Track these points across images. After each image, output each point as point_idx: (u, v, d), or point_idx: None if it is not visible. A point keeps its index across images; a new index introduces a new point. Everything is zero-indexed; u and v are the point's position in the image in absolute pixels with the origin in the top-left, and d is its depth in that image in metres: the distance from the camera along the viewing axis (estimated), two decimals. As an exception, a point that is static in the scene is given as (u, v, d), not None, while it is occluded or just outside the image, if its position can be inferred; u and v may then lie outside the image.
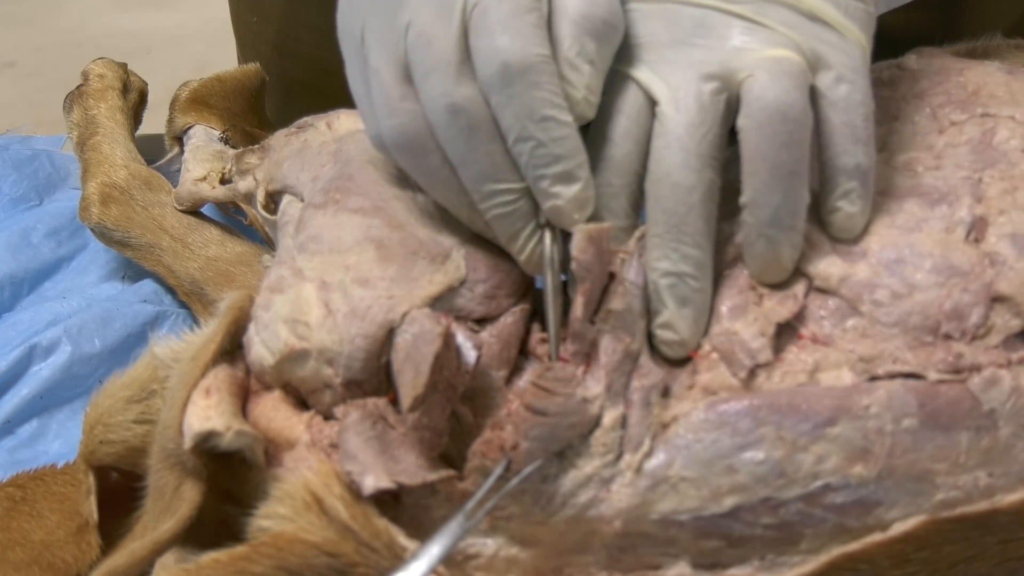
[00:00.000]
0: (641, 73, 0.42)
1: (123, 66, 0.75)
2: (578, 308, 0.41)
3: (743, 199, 0.41)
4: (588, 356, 0.41)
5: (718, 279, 0.43)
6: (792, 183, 0.41)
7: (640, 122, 0.42)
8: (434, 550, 0.38)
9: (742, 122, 0.41)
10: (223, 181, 0.63)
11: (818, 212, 0.43)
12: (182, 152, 0.68)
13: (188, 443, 0.40)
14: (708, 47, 0.42)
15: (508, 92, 0.40)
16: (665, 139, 0.41)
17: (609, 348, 0.41)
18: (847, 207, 0.43)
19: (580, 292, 0.41)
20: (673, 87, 0.41)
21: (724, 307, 0.42)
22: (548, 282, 0.42)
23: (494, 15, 0.40)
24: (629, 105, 0.42)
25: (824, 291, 0.42)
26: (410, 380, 0.40)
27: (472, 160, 0.42)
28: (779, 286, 0.42)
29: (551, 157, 0.40)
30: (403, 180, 0.46)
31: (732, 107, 0.41)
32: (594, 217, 0.42)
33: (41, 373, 0.60)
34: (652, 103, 0.42)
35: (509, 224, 0.42)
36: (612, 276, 0.41)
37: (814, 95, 0.41)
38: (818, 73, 0.42)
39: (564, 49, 0.41)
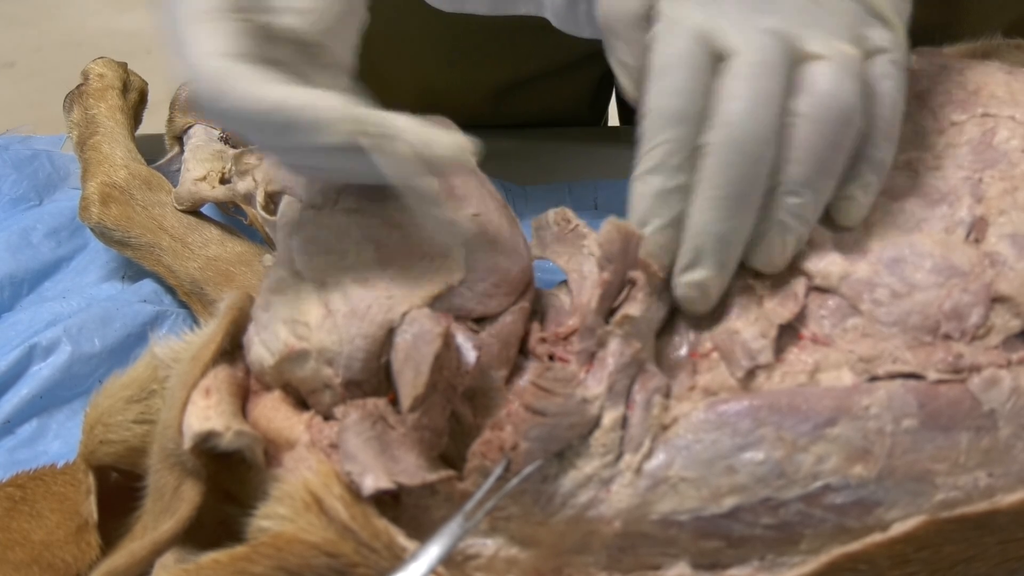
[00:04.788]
0: (703, 22, 0.40)
1: (123, 66, 0.75)
2: (594, 300, 0.41)
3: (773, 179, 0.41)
4: (593, 355, 0.41)
5: None
6: (828, 182, 0.41)
7: (705, 75, 0.40)
8: (434, 550, 0.38)
9: (801, 108, 0.40)
10: (223, 181, 0.63)
11: None
12: (182, 152, 0.68)
13: (188, 443, 0.40)
14: (772, 11, 0.40)
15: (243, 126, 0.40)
16: (737, 97, 0.39)
17: (617, 351, 0.40)
18: (861, 197, 0.43)
19: (599, 283, 0.40)
20: (742, 41, 0.40)
21: (725, 305, 0.42)
22: None
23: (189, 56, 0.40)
24: (693, 57, 0.40)
25: (824, 290, 0.42)
26: (410, 380, 0.40)
27: None
28: (779, 285, 0.42)
29: (312, 144, 0.39)
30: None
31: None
32: (661, 174, 0.40)
33: (41, 373, 0.60)
34: (714, 56, 0.40)
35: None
36: (634, 283, 0.41)
37: None
38: (867, 66, 0.41)
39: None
